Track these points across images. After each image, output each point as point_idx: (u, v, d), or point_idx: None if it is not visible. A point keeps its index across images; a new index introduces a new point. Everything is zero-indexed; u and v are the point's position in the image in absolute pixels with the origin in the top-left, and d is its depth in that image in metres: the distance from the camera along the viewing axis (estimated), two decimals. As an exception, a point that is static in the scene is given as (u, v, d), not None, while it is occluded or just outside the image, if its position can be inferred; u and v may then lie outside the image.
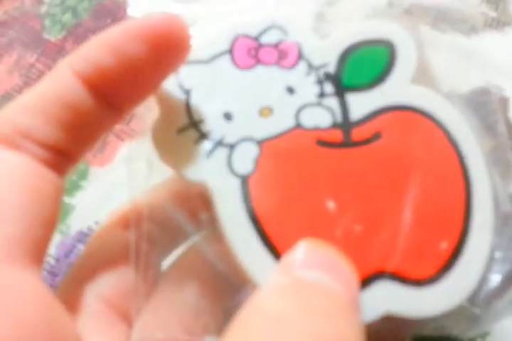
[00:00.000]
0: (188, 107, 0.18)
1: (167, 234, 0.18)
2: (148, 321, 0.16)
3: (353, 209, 0.17)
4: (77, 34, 0.29)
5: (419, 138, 0.18)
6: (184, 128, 0.18)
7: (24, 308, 0.12)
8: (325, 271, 0.15)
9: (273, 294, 0.14)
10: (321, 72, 0.18)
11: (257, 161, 0.17)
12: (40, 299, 0.13)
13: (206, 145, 0.17)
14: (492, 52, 0.18)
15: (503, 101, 0.18)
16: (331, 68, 0.18)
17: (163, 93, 0.18)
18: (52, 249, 0.25)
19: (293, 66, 0.18)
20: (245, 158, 0.17)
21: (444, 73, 0.19)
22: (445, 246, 0.17)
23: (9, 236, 0.13)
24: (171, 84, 0.18)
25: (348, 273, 0.16)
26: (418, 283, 0.17)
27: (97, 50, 0.14)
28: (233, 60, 0.18)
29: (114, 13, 0.30)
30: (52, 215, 0.14)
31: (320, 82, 0.18)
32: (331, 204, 0.17)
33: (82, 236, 0.25)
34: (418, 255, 0.17)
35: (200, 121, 0.18)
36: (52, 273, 0.25)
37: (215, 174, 0.17)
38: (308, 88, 0.18)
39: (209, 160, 0.17)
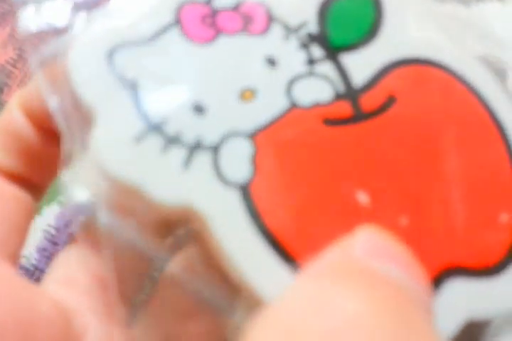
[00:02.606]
0: (139, 106, 0.13)
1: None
2: None
3: (389, 198, 0.13)
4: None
5: (438, 94, 0.14)
6: (142, 136, 0.13)
7: None
8: (396, 264, 0.11)
9: (327, 278, 0.11)
10: (302, 33, 0.14)
11: (254, 161, 0.13)
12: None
13: (178, 152, 0.13)
14: (492, 23, 0.16)
15: (502, 73, 0.15)
16: (312, 27, 0.14)
17: (97, 96, 0.13)
18: (52, 220, 0.27)
19: (265, 30, 0.14)
20: (238, 161, 0.13)
21: (442, 44, 0.15)
22: (506, 218, 0.14)
23: None
24: (105, 80, 0.13)
25: (419, 268, 0.12)
26: (490, 271, 0.13)
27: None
28: (184, 33, 0.13)
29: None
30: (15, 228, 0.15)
31: (304, 46, 0.14)
32: (362, 197, 0.13)
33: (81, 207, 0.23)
34: (481, 236, 0.13)
35: (163, 122, 0.13)
36: (53, 243, 0.27)
37: (202, 189, 0.12)
38: (291, 55, 0.14)
39: (188, 173, 0.13)
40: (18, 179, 0.15)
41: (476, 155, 0.14)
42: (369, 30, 0.14)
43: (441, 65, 0.14)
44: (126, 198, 0.13)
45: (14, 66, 0.27)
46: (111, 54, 0.13)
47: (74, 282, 0.14)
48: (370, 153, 0.13)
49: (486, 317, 0.13)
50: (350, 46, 0.14)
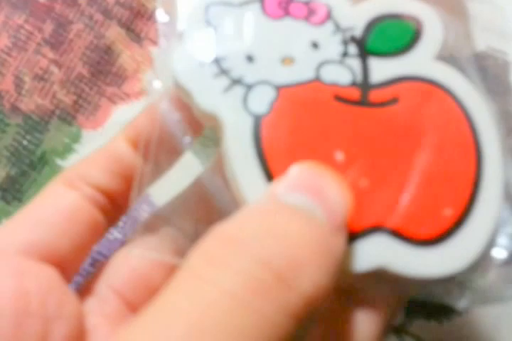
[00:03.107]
0: (211, 42, 0.18)
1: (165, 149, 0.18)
2: (146, 240, 0.17)
3: (360, 163, 0.17)
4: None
5: (435, 108, 0.18)
6: (205, 62, 0.17)
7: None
8: (310, 195, 0.14)
9: (241, 217, 0.14)
10: (348, 34, 0.18)
11: (273, 104, 0.17)
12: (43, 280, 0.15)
13: (224, 81, 0.17)
14: (497, 15, 0.19)
15: (506, 65, 0.18)
16: (358, 32, 0.18)
17: (188, 26, 0.18)
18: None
19: (321, 23, 0.18)
20: (261, 99, 0.17)
21: (456, 75, 0.19)
22: (450, 212, 0.16)
23: (31, 240, 0.16)
24: (198, 19, 0.18)
25: (337, 200, 0.15)
26: (417, 243, 0.16)
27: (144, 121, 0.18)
28: (263, 8, 0.18)
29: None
30: (83, 240, 0.17)
31: (345, 43, 0.18)
32: (340, 156, 0.17)
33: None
34: (421, 217, 0.16)
35: (222, 58, 0.17)
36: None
37: (230, 108, 0.17)
38: (332, 46, 0.18)
39: (225, 95, 0.17)
40: (108, 196, 0.18)
41: (447, 159, 0.17)
42: (401, 49, 0.18)
43: (449, 90, 0.18)
44: (183, 96, 0.17)
45: (9, 54, 0.25)
46: (208, 7, 0.18)
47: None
48: (360, 129, 0.17)
49: (398, 274, 0.16)
50: (381, 54, 0.18)
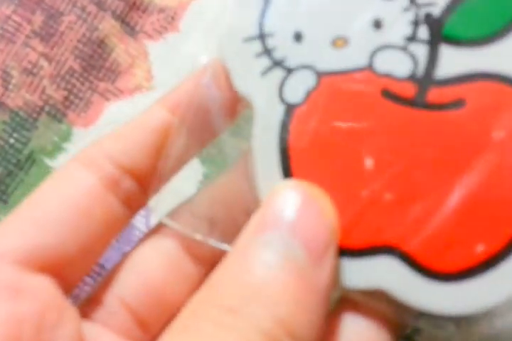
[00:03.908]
0: (261, 17, 0.16)
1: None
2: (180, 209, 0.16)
3: (391, 175, 0.15)
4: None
5: (506, 119, 0.14)
6: (251, 38, 0.16)
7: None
8: (284, 231, 0.13)
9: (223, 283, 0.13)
10: (423, 11, 0.15)
11: (310, 94, 0.15)
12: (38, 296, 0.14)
13: (265, 61, 0.16)
14: None
15: None
16: (437, 10, 0.15)
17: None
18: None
19: (392, -3, 0.15)
20: (299, 87, 0.16)
21: None
22: (481, 249, 0.14)
23: (30, 245, 0.14)
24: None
25: (317, 229, 0.14)
26: (430, 274, 0.15)
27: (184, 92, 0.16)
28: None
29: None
30: (90, 235, 0.15)
31: (416, 23, 0.15)
32: (369, 162, 0.15)
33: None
34: (445, 247, 0.15)
35: (269, 35, 0.16)
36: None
37: (263, 94, 0.16)
38: (399, 26, 0.15)
39: (263, 78, 0.16)
40: (138, 177, 0.15)
41: (500, 186, 0.14)
42: (490, 35, 0.15)
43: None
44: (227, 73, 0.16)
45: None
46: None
47: None
48: (405, 134, 0.15)
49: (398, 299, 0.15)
50: (460, 41, 0.15)
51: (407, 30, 0.15)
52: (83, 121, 0.23)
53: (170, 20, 0.20)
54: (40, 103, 0.22)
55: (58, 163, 0.23)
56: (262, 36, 0.16)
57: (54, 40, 0.22)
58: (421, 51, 0.15)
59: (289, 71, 0.16)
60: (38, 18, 0.22)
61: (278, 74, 0.16)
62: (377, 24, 0.15)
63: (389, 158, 0.15)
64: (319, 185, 0.15)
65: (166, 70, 0.17)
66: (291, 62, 0.16)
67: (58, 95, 0.22)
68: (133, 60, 0.19)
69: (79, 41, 0.22)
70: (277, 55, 0.16)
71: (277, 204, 0.14)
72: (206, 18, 0.17)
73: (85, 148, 0.16)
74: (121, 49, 0.21)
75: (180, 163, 0.17)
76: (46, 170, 0.23)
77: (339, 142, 0.15)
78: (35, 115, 0.23)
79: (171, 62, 0.18)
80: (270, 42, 0.16)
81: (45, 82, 0.22)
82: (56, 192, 0.15)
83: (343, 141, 0.15)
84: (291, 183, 0.15)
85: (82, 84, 0.22)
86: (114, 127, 0.16)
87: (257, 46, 0.16)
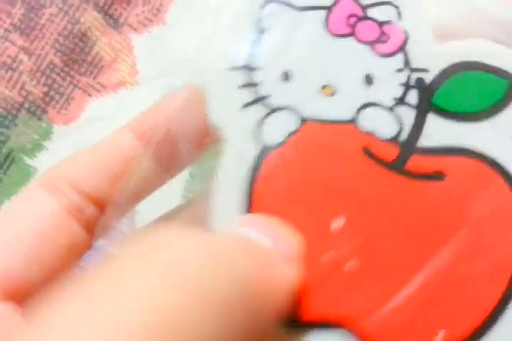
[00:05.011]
0: (252, 48, 0.15)
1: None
2: None
3: (358, 242, 0.13)
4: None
5: (487, 202, 0.14)
6: (237, 68, 0.14)
7: None
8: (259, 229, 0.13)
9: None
10: (415, 75, 0.14)
11: (289, 138, 0.14)
12: None
13: (248, 95, 0.14)
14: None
15: None
16: (429, 77, 0.14)
17: (236, 20, 0.15)
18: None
19: (388, 55, 0.14)
20: (279, 129, 0.14)
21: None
22: (441, 336, 0.13)
23: None
24: (250, 15, 0.15)
25: (286, 237, 0.13)
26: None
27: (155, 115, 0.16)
28: (327, 19, 0.15)
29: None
30: (54, 261, 0.14)
31: (407, 86, 0.14)
32: (338, 224, 0.13)
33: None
34: (402, 332, 0.13)
35: (257, 68, 0.14)
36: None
37: (239, 129, 0.14)
38: (390, 86, 0.14)
39: (242, 112, 0.14)
40: (101, 204, 0.15)
41: (471, 270, 0.13)
42: (477, 111, 0.14)
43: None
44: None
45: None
46: (267, 2, 0.15)
47: None
48: (380, 199, 0.14)
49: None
50: (447, 112, 0.14)
51: (397, 92, 0.14)
52: (64, 118, 0.22)
53: (155, 12, 0.19)
54: (20, 99, 0.22)
55: (38, 161, 0.22)
56: (249, 68, 0.14)
57: (34, 33, 0.21)
58: (408, 115, 0.14)
59: (272, 110, 0.14)
60: (18, 11, 0.21)
61: (259, 111, 0.14)
62: (369, 80, 0.14)
63: (359, 222, 0.14)
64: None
65: (152, 65, 0.15)
66: (275, 101, 0.14)
67: (38, 91, 0.21)
68: (116, 54, 0.18)
69: (60, 34, 0.21)
70: (262, 90, 0.14)
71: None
72: (194, 9, 0.15)
73: (49, 170, 0.15)
74: (104, 42, 0.20)
75: (143, 192, 0.15)
76: (26, 170, 0.22)
77: (309, 195, 0.14)
78: (14, 112, 0.22)
79: (157, 56, 0.17)
80: (257, 76, 0.14)
81: (25, 77, 0.22)
82: (20, 218, 0.15)
83: (313, 195, 0.14)
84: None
85: (63, 79, 0.21)
86: (96, 125, 0.15)
87: (242, 77, 0.14)
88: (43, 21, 0.21)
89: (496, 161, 0.14)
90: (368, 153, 0.14)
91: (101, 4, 0.20)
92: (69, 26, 0.21)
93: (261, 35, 0.14)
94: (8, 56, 0.22)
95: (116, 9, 0.20)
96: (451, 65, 0.14)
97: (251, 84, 0.14)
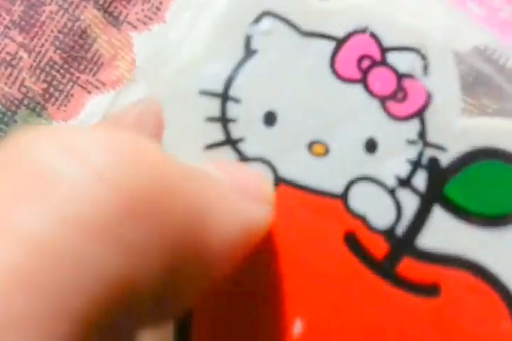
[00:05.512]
0: (233, 74, 0.11)
1: None
2: None
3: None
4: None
5: (474, 314, 0.10)
6: (210, 93, 0.10)
7: None
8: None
9: None
10: (429, 153, 0.11)
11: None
12: None
13: (217, 133, 0.10)
14: None
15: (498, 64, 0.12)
16: (445, 159, 0.11)
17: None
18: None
19: (401, 118, 0.11)
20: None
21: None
22: None
23: None
24: (236, 31, 0.11)
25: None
26: None
27: None
28: (336, 56, 0.11)
29: None
30: None
31: (416, 165, 0.11)
32: (298, 326, 0.10)
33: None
34: None
35: (235, 99, 0.10)
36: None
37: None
38: (395, 160, 0.11)
39: (203, 153, 0.10)
40: None
41: None
42: (491, 215, 0.11)
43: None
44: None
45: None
46: (263, 14, 0.11)
47: None
48: (354, 305, 0.10)
49: None
50: (457, 209, 0.11)
51: (403, 170, 0.11)
52: (63, 114, 0.22)
53: (155, 10, 0.20)
54: (19, 96, 0.22)
55: (37, 160, 0.20)
56: (225, 97, 0.10)
57: (34, 30, 0.22)
58: (410, 203, 0.11)
59: (242, 159, 0.10)
60: (18, 8, 0.22)
61: (225, 156, 0.10)
62: (371, 146, 0.11)
63: (326, 326, 0.10)
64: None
65: (151, 62, 0.14)
66: (248, 148, 0.10)
67: (38, 88, 0.22)
68: (116, 52, 0.19)
69: (60, 32, 0.22)
70: (235, 131, 0.10)
71: None
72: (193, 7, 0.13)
73: None
74: (104, 40, 0.21)
75: None
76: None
77: (271, 286, 0.10)
78: (13, 108, 0.23)
79: (157, 54, 0.15)
80: (232, 110, 0.10)
81: (24, 74, 0.22)
82: None
83: (275, 286, 0.10)
84: None
85: (63, 76, 0.22)
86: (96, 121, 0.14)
87: (213, 107, 0.10)
88: (42, 18, 0.22)
89: (502, 283, 0.11)
90: (351, 242, 0.10)
91: (101, 2, 0.21)
92: (69, 24, 0.22)
93: (248, 56, 0.11)
94: (8, 53, 0.23)
95: (116, 7, 0.21)
96: (475, 149, 0.11)
97: (224, 119, 0.10)
